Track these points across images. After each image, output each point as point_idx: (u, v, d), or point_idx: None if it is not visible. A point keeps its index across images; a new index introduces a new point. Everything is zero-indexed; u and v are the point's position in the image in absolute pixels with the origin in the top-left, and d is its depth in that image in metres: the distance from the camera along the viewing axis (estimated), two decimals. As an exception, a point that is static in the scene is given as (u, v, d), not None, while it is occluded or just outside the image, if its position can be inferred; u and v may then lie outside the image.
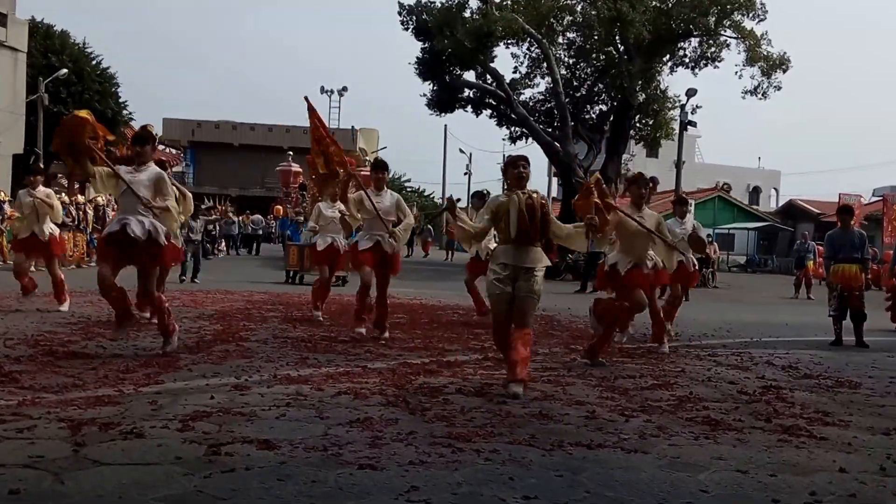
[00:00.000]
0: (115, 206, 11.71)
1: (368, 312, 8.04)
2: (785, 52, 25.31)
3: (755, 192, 58.60)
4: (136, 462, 3.41)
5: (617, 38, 25.28)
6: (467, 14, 26.41)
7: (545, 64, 27.11)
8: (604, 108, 29.34)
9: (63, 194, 18.30)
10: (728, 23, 25.18)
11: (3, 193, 18.96)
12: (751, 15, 25.02)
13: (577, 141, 27.47)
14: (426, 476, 3.38)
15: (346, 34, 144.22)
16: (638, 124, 28.52)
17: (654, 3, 25.17)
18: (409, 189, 60.08)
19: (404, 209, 8.17)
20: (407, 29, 26.99)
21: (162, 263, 7.03)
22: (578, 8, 27.38)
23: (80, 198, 19.72)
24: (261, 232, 32.14)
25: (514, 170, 5.69)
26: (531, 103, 29.51)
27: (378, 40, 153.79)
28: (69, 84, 31.36)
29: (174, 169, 30.07)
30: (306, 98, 8.24)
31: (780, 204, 48.80)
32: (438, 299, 13.33)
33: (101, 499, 2.99)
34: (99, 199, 19.46)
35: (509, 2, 26.63)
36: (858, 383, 6.40)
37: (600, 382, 5.89)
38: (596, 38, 26.59)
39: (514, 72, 29.10)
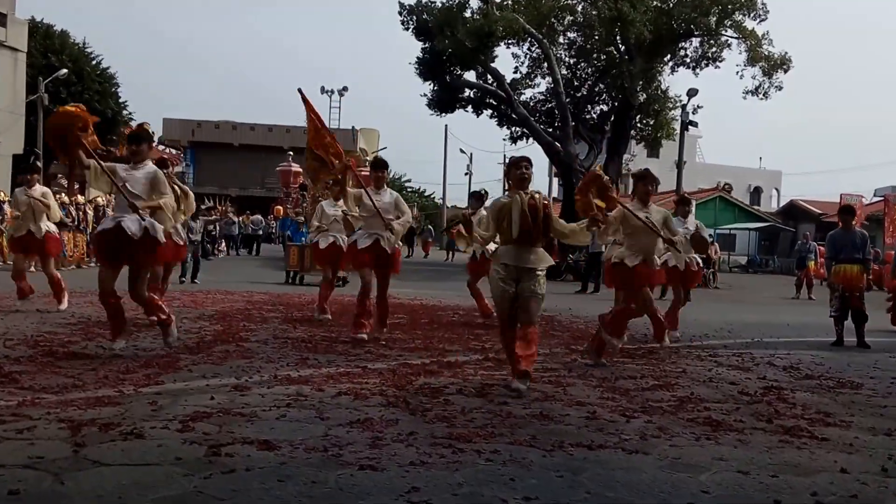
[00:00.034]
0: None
1: (368, 317, 7.95)
2: (786, 52, 25.32)
3: (756, 193, 58.62)
4: (136, 462, 3.41)
5: (618, 37, 25.25)
6: (468, 14, 26.40)
7: (546, 64, 27.08)
8: (604, 108, 29.32)
9: (63, 194, 18.33)
10: (729, 23, 25.14)
11: (2, 193, 18.95)
12: (752, 15, 24.99)
13: (577, 141, 27.44)
14: (427, 477, 3.37)
15: (346, 34, 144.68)
16: (639, 124, 28.48)
17: (654, 2, 25.12)
18: (409, 189, 60.00)
19: (403, 208, 8.16)
20: (407, 29, 27.00)
21: (161, 261, 7.00)
22: (579, 8, 27.34)
23: (80, 198, 19.71)
24: (261, 232, 32.13)
25: (517, 171, 5.69)
26: (532, 103, 29.48)
27: (378, 40, 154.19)
28: (69, 84, 31.34)
29: (175, 169, 30.03)
30: (300, 90, 8.22)
31: (782, 204, 48.76)
32: (439, 300, 13.32)
33: (101, 499, 2.98)
34: (99, 199, 19.47)
35: (510, 2, 26.61)
36: (860, 384, 6.39)
37: (601, 383, 5.89)
38: (597, 37, 26.55)
39: (515, 72, 29.14)
